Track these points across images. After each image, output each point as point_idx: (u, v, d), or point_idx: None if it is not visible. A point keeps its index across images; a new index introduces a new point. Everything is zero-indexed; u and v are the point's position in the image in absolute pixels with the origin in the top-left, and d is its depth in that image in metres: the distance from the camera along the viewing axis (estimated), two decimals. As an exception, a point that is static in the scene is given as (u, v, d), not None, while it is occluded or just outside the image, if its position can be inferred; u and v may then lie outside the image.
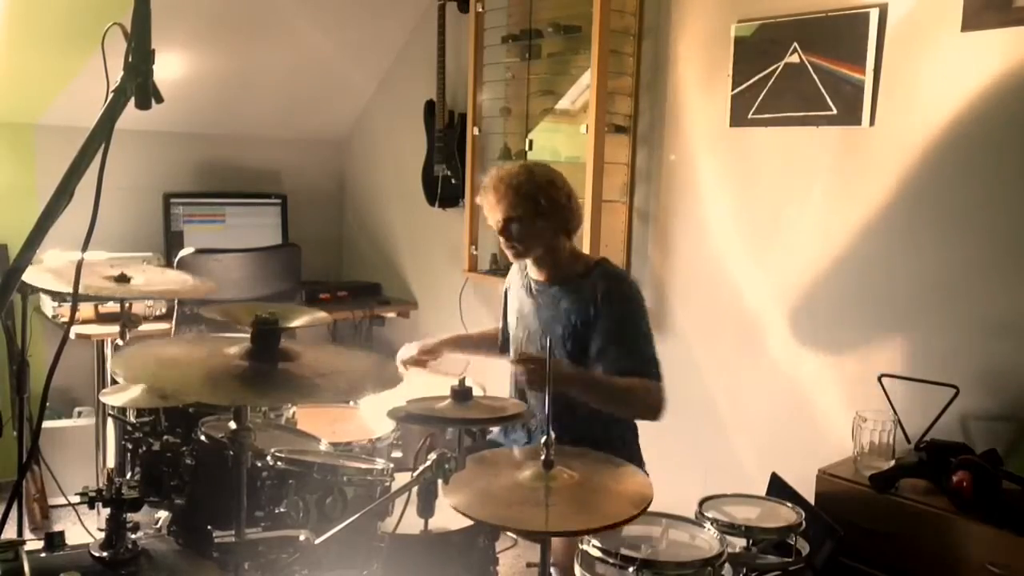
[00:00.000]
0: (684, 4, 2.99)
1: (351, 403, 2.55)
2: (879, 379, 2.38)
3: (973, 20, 2.28)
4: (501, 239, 2.36)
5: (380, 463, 1.78)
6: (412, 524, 1.74)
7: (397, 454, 2.33)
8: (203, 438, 1.64)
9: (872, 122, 2.50)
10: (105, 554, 1.51)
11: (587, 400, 2.16)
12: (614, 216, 3.19)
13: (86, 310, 3.39)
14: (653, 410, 2.22)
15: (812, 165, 2.67)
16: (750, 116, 2.78)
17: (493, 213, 2.34)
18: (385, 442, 2.33)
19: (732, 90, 2.82)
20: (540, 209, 2.29)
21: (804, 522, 1.91)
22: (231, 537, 1.45)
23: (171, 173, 4.15)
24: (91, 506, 1.55)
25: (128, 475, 1.86)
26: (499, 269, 3.51)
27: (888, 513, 2.12)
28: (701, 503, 1.96)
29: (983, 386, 2.30)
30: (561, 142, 3.38)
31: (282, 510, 1.57)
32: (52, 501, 3.44)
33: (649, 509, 1.63)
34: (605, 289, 2.29)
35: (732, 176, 2.90)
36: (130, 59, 1.22)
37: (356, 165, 4.71)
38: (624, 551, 1.65)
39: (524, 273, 2.49)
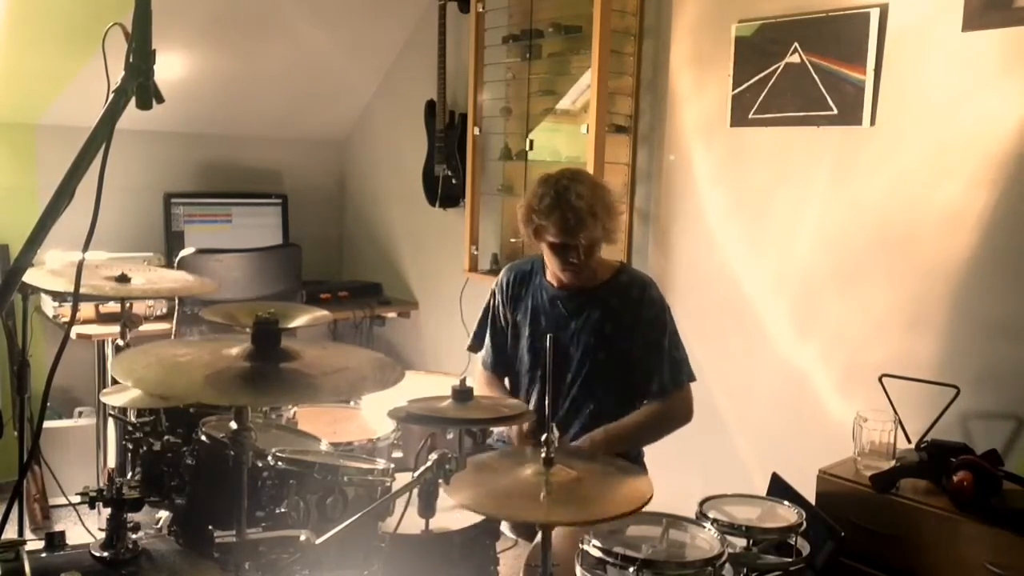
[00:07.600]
0: (684, 4, 2.99)
1: (352, 403, 2.55)
2: (880, 379, 2.38)
3: (973, 20, 2.28)
4: (561, 260, 2.25)
5: (381, 463, 1.78)
6: (413, 524, 1.74)
7: (398, 454, 2.33)
8: (204, 438, 1.64)
9: (872, 122, 2.50)
10: (106, 554, 1.52)
11: (622, 452, 2.18)
12: (614, 216, 3.19)
13: (87, 310, 3.39)
14: (682, 420, 2.30)
15: (812, 165, 2.67)
16: (751, 116, 2.78)
17: (562, 236, 2.19)
18: (386, 442, 2.33)
19: (732, 90, 2.82)
20: (607, 230, 2.27)
21: (805, 522, 1.90)
22: (232, 537, 1.45)
23: (172, 173, 4.16)
24: (92, 506, 1.56)
25: (129, 475, 1.86)
26: (499, 269, 3.50)
27: (889, 513, 2.12)
28: (702, 503, 1.95)
29: (984, 386, 2.30)
30: (561, 142, 3.38)
31: (283, 510, 1.57)
32: (53, 501, 3.45)
33: (649, 509, 1.63)
34: (638, 295, 2.31)
35: (732, 176, 2.90)
36: (131, 59, 1.22)
37: (356, 165, 4.71)
38: (624, 551, 1.65)
39: (532, 282, 2.44)
